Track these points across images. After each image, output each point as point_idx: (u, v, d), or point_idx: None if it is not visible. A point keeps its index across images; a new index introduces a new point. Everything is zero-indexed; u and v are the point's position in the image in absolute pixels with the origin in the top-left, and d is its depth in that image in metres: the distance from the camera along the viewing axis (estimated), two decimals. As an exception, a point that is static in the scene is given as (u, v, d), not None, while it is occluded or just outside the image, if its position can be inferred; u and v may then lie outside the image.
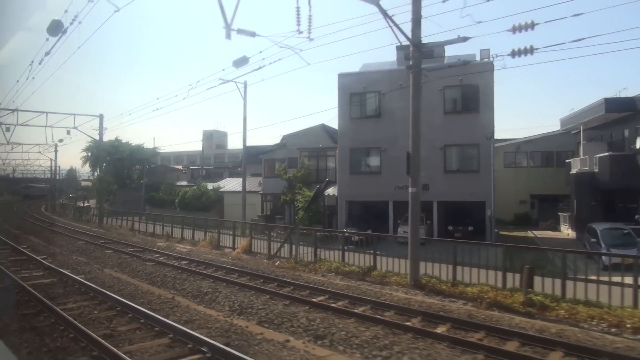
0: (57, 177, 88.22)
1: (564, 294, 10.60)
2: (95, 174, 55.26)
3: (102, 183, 52.16)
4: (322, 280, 13.18)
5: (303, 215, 25.58)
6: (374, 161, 24.24)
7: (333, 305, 9.74)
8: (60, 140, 35.18)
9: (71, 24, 10.07)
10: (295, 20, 9.75)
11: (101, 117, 32.23)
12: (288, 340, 7.35)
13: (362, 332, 7.90)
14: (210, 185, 37.84)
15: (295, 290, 11.35)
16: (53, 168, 59.40)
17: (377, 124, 23.76)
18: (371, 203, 24.11)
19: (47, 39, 10.71)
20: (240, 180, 28.86)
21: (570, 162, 26.24)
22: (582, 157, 24.01)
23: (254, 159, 32.53)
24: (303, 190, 25.84)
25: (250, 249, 19.08)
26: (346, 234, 17.78)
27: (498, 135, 27.43)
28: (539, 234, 27.23)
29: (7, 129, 28.83)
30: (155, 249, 18.65)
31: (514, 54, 10.78)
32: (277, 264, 16.46)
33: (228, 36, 8.97)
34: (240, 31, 9.89)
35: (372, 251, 14.78)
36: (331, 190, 25.30)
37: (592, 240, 17.43)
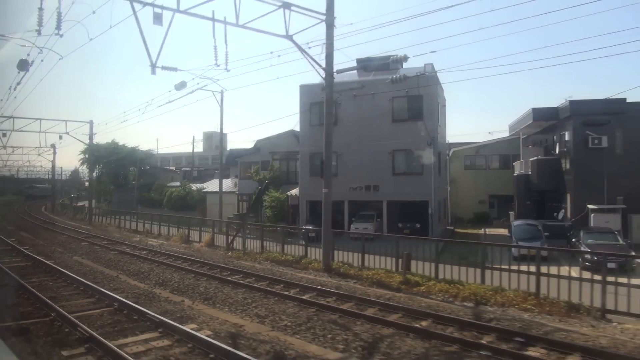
0: (61, 178, 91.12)
1: (437, 275, 12.99)
2: (93, 175, 58.32)
3: (100, 184, 54.96)
4: (255, 266, 15.64)
5: (270, 213, 28.16)
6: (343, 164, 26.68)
7: (241, 281, 12.20)
8: (52, 145, 37.88)
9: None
10: (213, 56, 12.25)
11: (91, 123, 35.02)
12: (183, 301, 9.86)
13: (239, 295, 10.39)
14: (194, 186, 40.46)
15: (221, 271, 13.84)
16: (53, 169, 62.09)
17: (334, 131, 26.16)
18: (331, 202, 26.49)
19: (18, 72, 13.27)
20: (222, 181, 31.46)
21: (514, 165, 28.58)
22: (520, 161, 26.32)
23: (235, 162, 35.21)
24: (270, 191, 28.34)
25: (213, 243, 21.65)
26: (303, 230, 20.15)
27: (463, 139, 29.79)
28: (490, 231, 29.48)
29: (4, 134, 31.20)
30: (126, 242, 21.24)
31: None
32: (229, 254, 18.98)
33: (153, 72, 11.45)
34: (164, 67, 12.41)
35: (304, 243, 17.31)
36: (295, 191, 27.77)
37: (508, 235, 19.79)
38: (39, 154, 51.00)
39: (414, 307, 9.46)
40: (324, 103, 15.40)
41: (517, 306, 10.03)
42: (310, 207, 27.02)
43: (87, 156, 55.52)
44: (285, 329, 8.06)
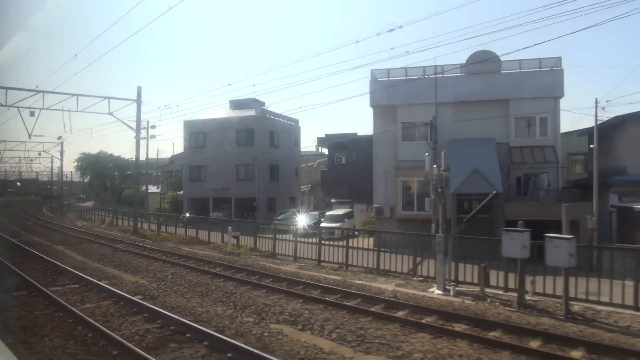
0: (71, 179, 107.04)
1: (256, 245, 25.78)
2: (84, 180, 73.96)
3: (91, 187, 70.31)
4: (132, 237, 29.52)
5: (168, 206, 42.19)
6: (202, 174, 40.42)
7: (108, 244, 26.07)
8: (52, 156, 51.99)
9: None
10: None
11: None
12: (63, 251, 23.85)
13: (107, 250, 24.31)
14: (143, 187, 54.87)
15: (99, 238, 27.78)
16: (59, 170, 76.83)
17: (203, 151, 39.94)
18: (201, 199, 40.35)
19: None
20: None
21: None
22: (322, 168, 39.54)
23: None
24: (168, 192, 42.40)
25: (115, 224, 35.81)
26: (180, 216, 33.87)
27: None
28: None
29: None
30: (73, 228, 35.45)
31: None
32: (129, 235, 32.99)
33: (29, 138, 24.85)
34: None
35: (187, 226, 31.28)
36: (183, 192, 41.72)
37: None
38: (44, 151, 65.81)
39: (226, 263, 23.18)
40: (139, 140, 29.03)
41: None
42: (192, 202, 40.94)
43: (80, 164, 71.14)
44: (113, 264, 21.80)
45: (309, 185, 47.51)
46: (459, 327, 8.57)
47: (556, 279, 10.39)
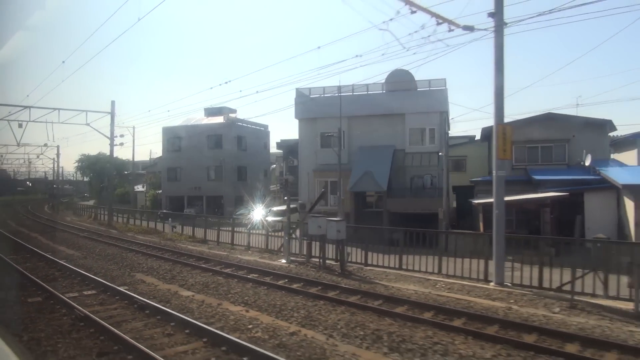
0: (75, 178, 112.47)
1: (194, 235, 31.09)
2: (84, 179, 79.34)
3: (91, 186, 75.62)
4: (102, 228, 34.31)
5: (149, 203, 46.97)
6: (178, 174, 45.16)
7: (87, 236, 30.86)
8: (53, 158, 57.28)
9: None
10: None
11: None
12: (36, 237, 28.67)
13: (86, 240, 29.10)
14: (134, 187, 59.91)
15: (72, 229, 32.59)
16: (56, 170, 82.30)
17: (179, 154, 44.71)
18: (178, 197, 45.10)
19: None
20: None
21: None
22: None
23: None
24: (150, 191, 47.21)
25: (97, 219, 40.69)
26: (158, 212, 38.62)
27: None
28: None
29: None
30: (58, 221, 40.41)
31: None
32: (102, 227, 37.86)
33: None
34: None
35: (163, 220, 36.07)
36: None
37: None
38: (42, 154, 71.56)
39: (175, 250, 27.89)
40: (113, 147, 33.79)
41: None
42: (170, 200, 45.72)
43: (80, 164, 76.67)
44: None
45: (278, 185, 51.98)
46: (281, 282, 12.65)
47: (371, 254, 14.86)
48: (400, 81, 26.11)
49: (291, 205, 35.80)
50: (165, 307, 9.21)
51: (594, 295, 10.42)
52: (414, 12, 11.22)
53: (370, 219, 23.23)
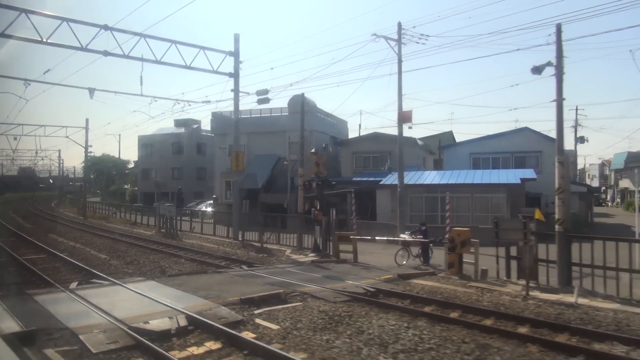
0: (83, 176, 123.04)
1: (136, 221, 40.99)
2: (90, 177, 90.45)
3: (96, 184, 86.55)
4: (80, 217, 44.36)
5: (129, 198, 57.20)
6: (150, 174, 55.00)
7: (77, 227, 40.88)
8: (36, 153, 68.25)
9: None
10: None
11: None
12: (21, 222, 38.83)
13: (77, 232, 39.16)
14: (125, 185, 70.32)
15: (58, 218, 42.64)
16: (60, 169, 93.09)
17: (150, 157, 54.63)
18: (150, 193, 55.00)
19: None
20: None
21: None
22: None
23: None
24: (129, 187, 57.32)
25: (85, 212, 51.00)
26: (133, 205, 48.58)
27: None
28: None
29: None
30: (49, 212, 50.61)
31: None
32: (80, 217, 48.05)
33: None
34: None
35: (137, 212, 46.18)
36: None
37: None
38: (46, 156, 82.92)
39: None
40: (87, 156, 43.80)
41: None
42: (144, 195, 55.67)
43: (85, 164, 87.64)
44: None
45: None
46: (140, 242, 22.25)
47: (290, 236, 24.24)
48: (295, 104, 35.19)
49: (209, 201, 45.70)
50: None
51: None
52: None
53: (255, 208, 32.50)
